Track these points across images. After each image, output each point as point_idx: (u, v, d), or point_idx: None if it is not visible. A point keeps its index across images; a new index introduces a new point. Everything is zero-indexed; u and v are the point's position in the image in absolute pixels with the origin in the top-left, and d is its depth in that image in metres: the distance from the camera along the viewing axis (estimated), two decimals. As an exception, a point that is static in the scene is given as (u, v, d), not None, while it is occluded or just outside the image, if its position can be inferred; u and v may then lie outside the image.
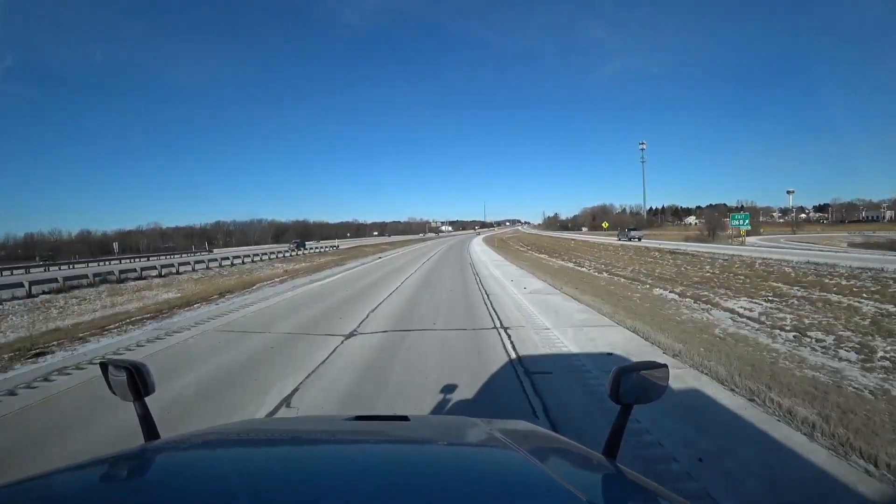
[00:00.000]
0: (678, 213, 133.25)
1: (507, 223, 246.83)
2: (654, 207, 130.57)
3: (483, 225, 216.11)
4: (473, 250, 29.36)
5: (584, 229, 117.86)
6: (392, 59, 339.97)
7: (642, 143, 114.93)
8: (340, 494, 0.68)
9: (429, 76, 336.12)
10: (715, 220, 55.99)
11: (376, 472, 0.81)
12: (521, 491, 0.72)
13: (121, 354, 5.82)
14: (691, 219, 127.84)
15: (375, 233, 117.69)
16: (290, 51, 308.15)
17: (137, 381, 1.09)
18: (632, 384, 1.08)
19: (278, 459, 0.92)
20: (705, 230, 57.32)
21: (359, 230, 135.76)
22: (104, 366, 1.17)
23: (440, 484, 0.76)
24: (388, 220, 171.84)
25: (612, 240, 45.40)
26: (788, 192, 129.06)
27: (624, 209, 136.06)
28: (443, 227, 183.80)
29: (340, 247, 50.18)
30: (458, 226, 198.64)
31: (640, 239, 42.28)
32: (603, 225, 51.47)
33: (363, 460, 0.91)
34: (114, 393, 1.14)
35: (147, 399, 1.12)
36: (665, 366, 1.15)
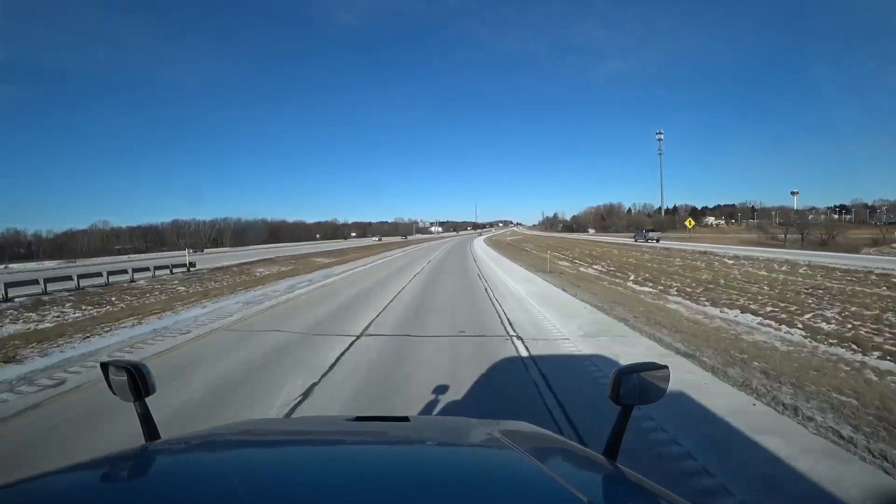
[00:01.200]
0: (695, 214, 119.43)
1: (500, 224, 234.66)
2: (665, 207, 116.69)
3: (475, 226, 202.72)
4: (501, 282, 12.99)
5: (592, 231, 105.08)
6: (378, 55, 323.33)
7: (659, 133, 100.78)
8: (341, 495, 0.66)
9: (420, 74, 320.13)
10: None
11: (376, 472, 0.80)
12: (521, 491, 0.72)
13: None
14: (710, 219, 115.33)
15: (353, 234, 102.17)
16: (269, 45, 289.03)
17: (138, 382, 1.07)
18: (632, 385, 1.07)
19: (278, 460, 0.91)
20: (783, 232, 42.91)
21: (336, 231, 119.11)
22: (104, 366, 1.15)
23: (441, 484, 0.75)
24: (375, 220, 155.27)
25: (690, 245, 30.79)
26: (793, 193, 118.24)
27: (630, 209, 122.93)
28: (432, 228, 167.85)
29: (198, 267, 21.64)
30: (449, 226, 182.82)
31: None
32: (687, 223, 35.72)
33: (363, 461, 0.89)
34: (114, 393, 1.12)
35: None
36: (665, 367, 1.12)
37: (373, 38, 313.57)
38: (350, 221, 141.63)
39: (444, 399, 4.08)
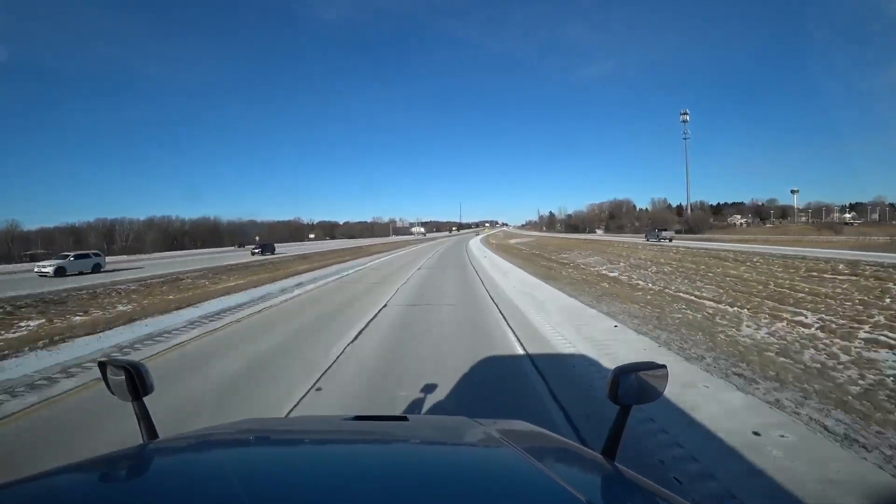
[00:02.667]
0: (716, 212, 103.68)
1: (487, 224, 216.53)
2: (681, 205, 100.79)
3: (460, 227, 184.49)
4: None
5: (599, 231, 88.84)
6: (359, 50, 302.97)
7: (684, 113, 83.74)
8: (339, 495, 0.67)
9: (405, 70, 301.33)
10: None
11: (375, 472, 0.81)
12: (520, 491, 0.71)
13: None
14: (736, 217, 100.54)
15: (311, 235, 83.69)
16: (237, 36, 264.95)
17: (136, 381, 1.06)
18: (631, 385, 1.05)
19: (277, 459, 0.91)
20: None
21: (297, 232, 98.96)
22: (102, 365, 1.14)
23: (439, 484, 0.74)
24: (352, 219, 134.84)
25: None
26: (793, 192, 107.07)
27: (636, 206, 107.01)
28: (413, 229, 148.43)
29: None
30: (432, 226, 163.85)
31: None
32: None
33: (362, 460, 0.90)
34: (112, 393, 1.10)
35: None
36: (664, 366, 1.10)
37: (356, 34, 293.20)
38: (315, 221, 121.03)
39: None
